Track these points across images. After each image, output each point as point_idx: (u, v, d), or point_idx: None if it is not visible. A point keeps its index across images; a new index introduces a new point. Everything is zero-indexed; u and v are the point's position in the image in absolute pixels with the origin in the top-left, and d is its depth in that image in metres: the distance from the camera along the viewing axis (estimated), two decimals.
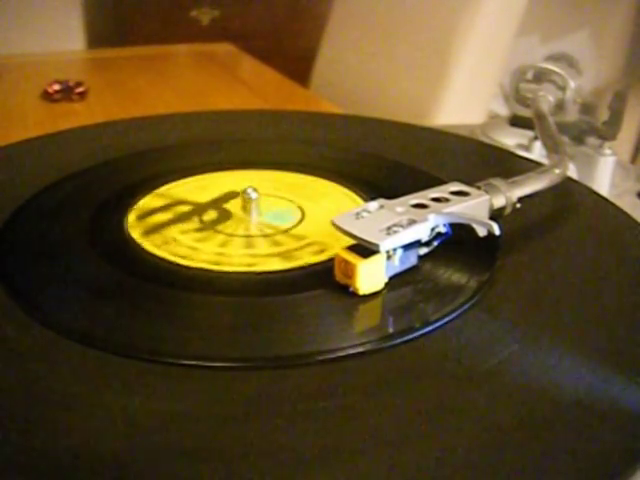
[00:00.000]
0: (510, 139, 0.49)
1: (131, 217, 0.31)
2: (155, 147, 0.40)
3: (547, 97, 0.44)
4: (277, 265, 0.27)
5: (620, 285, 0.27)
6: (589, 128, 0.47)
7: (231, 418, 0.19)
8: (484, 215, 0.28)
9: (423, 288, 0.26)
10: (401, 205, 0.26)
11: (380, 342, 0.23)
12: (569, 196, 0.34)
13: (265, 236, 0.30)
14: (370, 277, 0.25)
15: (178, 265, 0.27)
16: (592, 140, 0.47)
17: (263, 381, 0.21)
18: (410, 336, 0.23)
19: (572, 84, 0.45)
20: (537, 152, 0.46)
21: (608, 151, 0.46)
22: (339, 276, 0.25)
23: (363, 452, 0.18)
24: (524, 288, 0.26)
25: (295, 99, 0.80)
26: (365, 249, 0.24)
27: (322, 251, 0.28)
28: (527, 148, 0.47)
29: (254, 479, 0.17)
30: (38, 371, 0.21)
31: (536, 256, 0.29)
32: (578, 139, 0.48)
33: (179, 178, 0.35)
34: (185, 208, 0.32)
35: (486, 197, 0.28)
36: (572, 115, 0.46)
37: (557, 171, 0.32)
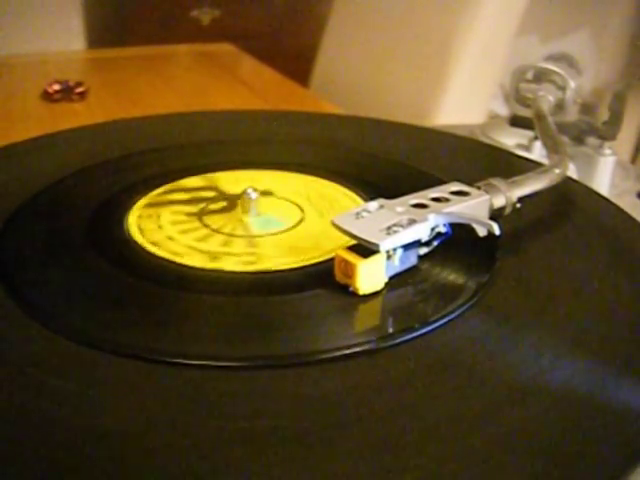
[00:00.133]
0: (510, 139, 0.49)
1: (132, 215, 0.31)
2: (155, 147, 0.40)
3: (547, 97, 0.44)
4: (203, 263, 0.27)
5: (620, 285, 0.27)
6: (589, 128, 0.47)
7: (231, 418, 0.19)
8: (484, 215, 0.28)
9: (423, 288, 0.26)
10: (401, 205, 0.26)
11: (380, 342, 0.23)
12: (569, 196, 0.34)
13: (242, 237, 0.29)
14: (370, 277, 0.25)
15: (178, 265, 0.27)
16: (592, 140, 0.47)
17: (263, 381, 0.21)
18: (410, 336, 0.23)
19: (572, 84, 0.45)
20: (537, 152, 0.46)
21: (608, 151, 0.46)
22: (339, 276, 0.25)
23: (362, 452, 0.18)
24: (524, 288, 0.26)
25: (295, 99, 0.80)
26: (365, 249, 0.24)
27: (252, 263, 0.28)
28: (527, 148, 0.47)
29: (253, 479, 0.17)
30: (37, 371, 0.21)
31: (536, 256, 0.29)
32: (578, 139, 0.48)
33: (179, 178, 0.35)
34: (185, 196, 0.33)
35: (486, 197, 0.28)
36: (572, 115, 0.46)
37: (557, 171, 0.32)
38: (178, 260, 0.27)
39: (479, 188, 0.28)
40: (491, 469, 0.18)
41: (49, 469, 0.17)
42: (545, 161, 0.35)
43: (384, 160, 0.39)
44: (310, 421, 0.19)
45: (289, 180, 0.36)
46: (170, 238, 0.29)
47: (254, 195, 0.31)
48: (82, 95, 0.72)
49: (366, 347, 0.22)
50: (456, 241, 0.27)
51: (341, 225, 0.25)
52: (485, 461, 0.18)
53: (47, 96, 0.71)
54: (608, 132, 0.46)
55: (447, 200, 0.27)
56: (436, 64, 0.86)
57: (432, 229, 0.26)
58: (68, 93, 0.72)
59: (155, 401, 0.20)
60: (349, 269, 0.24)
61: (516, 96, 0.47)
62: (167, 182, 0.35)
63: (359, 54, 0.97)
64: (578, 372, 0.22)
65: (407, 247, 0.25)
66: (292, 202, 0.33)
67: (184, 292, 0.26)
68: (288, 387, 0.21)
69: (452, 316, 0.24)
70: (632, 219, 0.32)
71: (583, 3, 1.55)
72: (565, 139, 0.45)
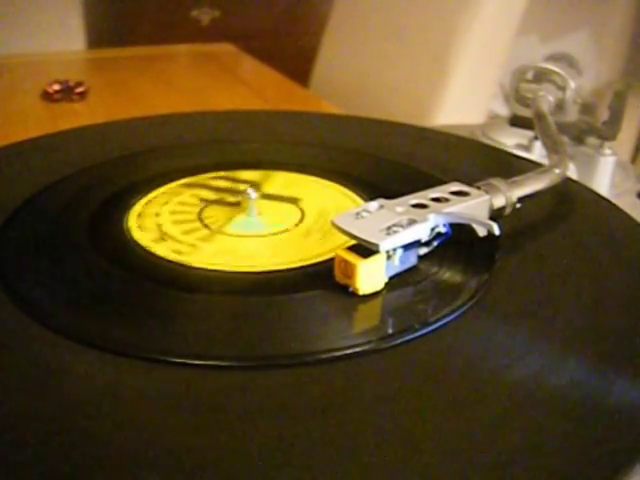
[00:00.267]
0: (510, 139, 0.49)
1: (132, 215, 0.31)
2: (155, 147, 0.40)
3: (547, 97, 0.44)
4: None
5: (620, 285, 0.27)
6: (589, 128, 0.47)
7: (231, 418, 0.19)
8: (484, 215, 0.28)
9: (423, 288, 0.26)
10: (401, 205, 0.26)
11: (380, 342, 0.22)
12: (569, 196, 0.34)
13: (222, 233, 0.30)
14: (370, 277, 0.25)
15: (178, 264, 0.27)
16: (592, 140, 0.47)
17: (263, 381, 0.21)
18: (410, 336, 0.23)
19: (572, 84, 0.45)
20: (537, 152, 0.46)
21: (608, 151, 0.46)
22: (339, 276, 0.25)
23: (362, 452, 0.18)
24: (524, 288, 0.26)
25: (295, 99, 0.80)
26: (365, 249, 0.24)
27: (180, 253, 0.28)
28: (527, 148, 0.47)
29: (252, 478, 0.17)
30: (37, 371, 0.21)
31: (536, 256, 0.29)
32: (578, 139, 0.48)
33: (178, 178, 0.35)
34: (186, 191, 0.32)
35: (486, 197, 0.28)
36: (572, 115, 0.46)
37: (557, 171, 0.32)
38: (179, 260, 0.27)
39: (479, 188, 0.28)
40: (491, 469, 0.18)
41: (49, 469, 0.17)
42: (545, 161, 0.35)
43: (384, 160, 0.39)
44: (310, 421, 0.19)
45: (289, 180, 0.36)
46: (170, 237, 0.29)
47: (254, 195, 0.31)
48: (82, 95, 0.72)
49: (366, 347, 0.22)
50: (456, 241, 0.27)
51: (341, 225, 0.25)
52: (485, 460, 0.18)
53: (47, 96, 0.71)
54: (608, 132, 0.46)
55: (447, 200, 0.27)
56: (436, 64, 0.86)
57: (432, 229, 0.26)
58: (68, 93, 0.72)
59: (155, 401, 0.20)
60: (349, 269, 0.24)
61: (516, 96, 0.47)
62: (167, 182, 0.35)
63: (359, 54, 0.97)
64: (578, 372, 0.22)
65: (407, 247, 0.25)
66: (294, 206, 0.33)
67: (184, 292, 0.26)
68: (288, 387, 0.21)
69: (452, 316, 0.24)
70: (632, 219, 0.32)
71: (583, 3, 1.55)
72: (565, 139, 0.45)
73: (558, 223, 0.32)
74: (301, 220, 0.31)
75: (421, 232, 0.25)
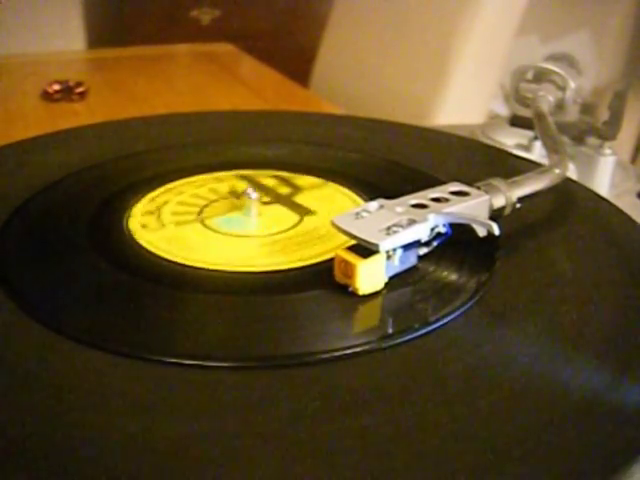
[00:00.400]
0: (510, 139, 0.49)
1: (132, 215, 0.31)
2: (155, 147, 0.40)
3: (547, 97, 0.44)
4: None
5: (620, 285, 0.27)
6: (589, 128, 0.47)
7: (231, 418, 0.19)
8: (484, 215, 0.28)
9: (423, 288, 0.26)
10: (401, 205, 0.26)
11: (380, 342, 0.22)
12: (569, 196, 0.34)
13: (202, 223, 0.30)
14: (370, 277, 0.25)
15: (179, 265, 0.27)
16: (592, 140, 0.47)
17: (262, 381, 0.21)
18: (410, 336, 0.23)
19: (572, 84, 0.45)
20: (537, 152, 0.46)
21: (608, 151, 0.46)
22: (339, 276, 0.25)
23: (361, 452, 0.18)
24: (523, 288, 0.26)
25: (295, 99, 0.80)
26: (365, 249, 0.24)
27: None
28: (527, 148, 0.47)
29: (252, 478, 0.17)
30: (37, 371, 0.21)
31: (535, 256, 0.29)
32: (578, 139, 0.48)
33: (178, 178, 0.35)
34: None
35: (486, 197, 0.28)
36: (572, 115, 0.46)
37: (557, 171, 0.32)
38: (179, 260, 0.27)
39: (479, 188, 0.28)
40: (490, 467, 0.18)
41: (49, 469, 0.17)
42: (545, 161, 0.35)
43: (384, 160, 0.39)
44: (310, 421, 0.19)
45: (289, 180, 0.35)
46: (170, 236, 0.29)
47: (254, 195, 0.31)
48: (82, 95, 0.72)
49: (366, 347, 0.22)
50: (456, 241, 0.27)
51: (341, 225, 0.25)
52: (485, 460, 0.18)
53: (47, 96, 0.71)
54: (608, 132, 0.46)
55: (447, 200, 0.27)
56: (436, 64, 0.86)
57: (432, 229, 0.26)
58: (68, 93, 0.72)
59: (154, 401, 0.20)
60: (349, 269, 0.24)
61: (516, 96, 0.47)
62: (167, 182, 0.35)
63: (359, 54, 0.97)
64: (578, 372, 0.22)
65: (407, 247, 0.25)
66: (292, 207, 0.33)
67: (184, 292, 0.26)
68: (287, 387, 0.21)
69: (452, 316, 0.24)
70: (632, 220, 0.32)
71: (583, 3, 1.55)
72: (565, 139, 0.45)
73: (558, 223, 0.32)
74: (295, 225, 0.31)
75: (421, 232, 0.25)
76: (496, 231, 0.25)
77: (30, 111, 0.69)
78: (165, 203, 0.32)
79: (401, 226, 0.25)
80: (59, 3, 1.60)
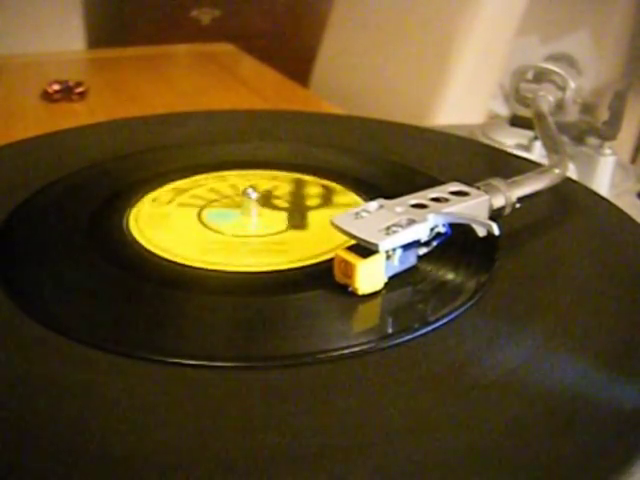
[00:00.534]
0: (510, 139, 0.49)
1: (132, 215, 0.31)
2: (154, 147, 0.40)
3: (547, 97, 0.44)
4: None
5: (620, 285, 0.27)
6: (589, 128, 0.47)
7: (231, 417, 0.19)
8: (484, 215, 0.28)
9: (422, 288, 0.26)
10: (400, 205, 0.26)
11: (379, 342, 0.22)
12: (569, 196, 0.34)
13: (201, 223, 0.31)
14: (369, 277, 0.25)
15: (179, 265, 0.27)
16: (592, 140, 0.47)
17: (262, 381, 0.21)
18: (409, 336, 0.23)
19: (572, 84, 0.45)
20: (537, 152, 0.46)
21: (608, 151, 0.46)
22: (339, 276, 0.25)
23: (361, 451, 0.18)
24: (523, 289, 0.26)
25: (295, 99, 0.80)
26: (364, 249, 0.24)
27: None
28: (527, 148, 0.47)
29: (253, 478, 0.17)
30: (38, 371, 0.21)
31: (535, 256, 0.29)
32: (578, 139, 0.48)
33: (177, 178, 0.35)
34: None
35: (486, 197, 0.28)
36: (572, 115, 0.46)
37: (557, 171, 0.32)
38: (179, 260, 0.27)
39: (479, 188, 0.28)
40: (490, 467, 0.18)
41: (48, 468, 0.17)
42: (545, 161, 0.35)
43: (384, 160, 0.39)
44: (310, 421, 0.19)
45: (289, 180, 0.36)
46: (170, 236, 0.29)
47: (254, 195, 0.31)
48: (82, 95, 0.72)
49: (365, 347, 0.22)
50: (455, 241, 0.27)
51: (341, 225, 0.25)
52: (484, 459, 0.18)
53: (47, 96, 0.71)
54: (608, 132, 0.46)
55: (446, 200, 0.27)
56: (436, 64, 0.86)
57: (431, 229, 0.26)
58: (68, 93, 0.72)
59: (154, 401, 0.20)
60: (348, 269, 0.24)
61: (516, 96, 0.47)
62: (167, 182, 0.35)
63: (359, 54, 0.97)
64: (578, 372, 0.22)
65: (406, 247, 0.25)
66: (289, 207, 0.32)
67: (184, 292, 0.26)
68: (287, 387, 0.21)
69: (451, 316, 0.24)
70: (632, 219, 0.32)
71: (583, 3, 1.55)
72: (565, 139, 0.45)
73: (558, 223, 0.32)
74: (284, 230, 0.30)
75: (421, 232, 0.25)
76: (496, 231, 0.25)
77: (30, 111, 0.69)
78: (168, 202, 0.32)
79: (401, 226, 0.25)
80: (59, 3, 1.60)
